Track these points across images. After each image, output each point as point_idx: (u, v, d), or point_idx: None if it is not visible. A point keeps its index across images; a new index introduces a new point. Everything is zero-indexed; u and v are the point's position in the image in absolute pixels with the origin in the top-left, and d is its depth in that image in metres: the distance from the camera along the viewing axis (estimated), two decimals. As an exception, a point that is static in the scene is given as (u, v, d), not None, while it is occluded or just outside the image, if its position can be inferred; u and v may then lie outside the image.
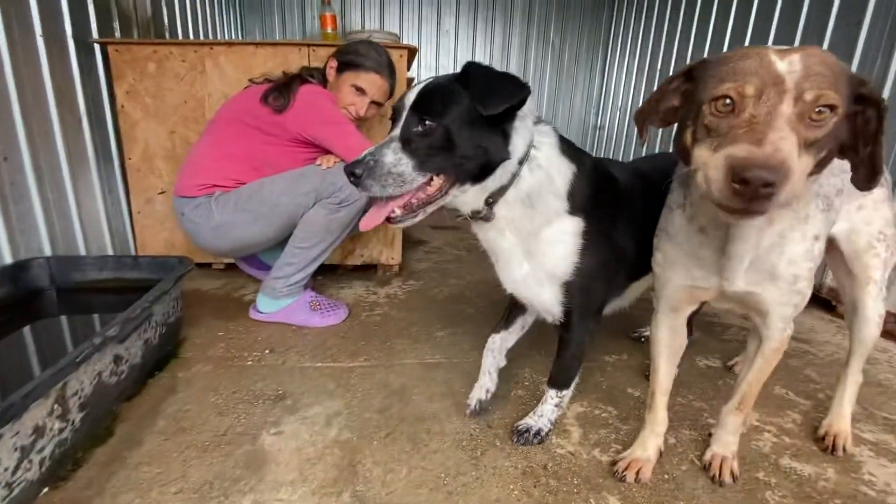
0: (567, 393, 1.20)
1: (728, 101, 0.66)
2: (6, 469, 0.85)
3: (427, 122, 0.89)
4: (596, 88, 4.56)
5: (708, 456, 1.10)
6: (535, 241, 1.02)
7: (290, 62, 2.00)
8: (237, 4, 3.70)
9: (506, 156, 0.92)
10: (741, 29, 2.77)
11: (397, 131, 0.92)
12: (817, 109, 0.63)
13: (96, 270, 1.64)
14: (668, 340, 1.05)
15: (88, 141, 1.99)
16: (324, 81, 1.77)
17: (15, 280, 1.53)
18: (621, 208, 1.10)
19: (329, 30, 2.58)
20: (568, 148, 1.04)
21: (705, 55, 3.02)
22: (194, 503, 0.95)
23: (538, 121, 1.01)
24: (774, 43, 2.54)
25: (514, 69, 4.34)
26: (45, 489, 0.96)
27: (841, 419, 1.22)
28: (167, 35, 2.61)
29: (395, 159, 0.88)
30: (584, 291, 1.05)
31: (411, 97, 0.92)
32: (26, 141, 1.66)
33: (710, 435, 1.16)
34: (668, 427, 1.24)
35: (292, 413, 1.24)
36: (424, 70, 4.19)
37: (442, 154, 0.89)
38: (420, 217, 0.96)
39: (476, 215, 1.01)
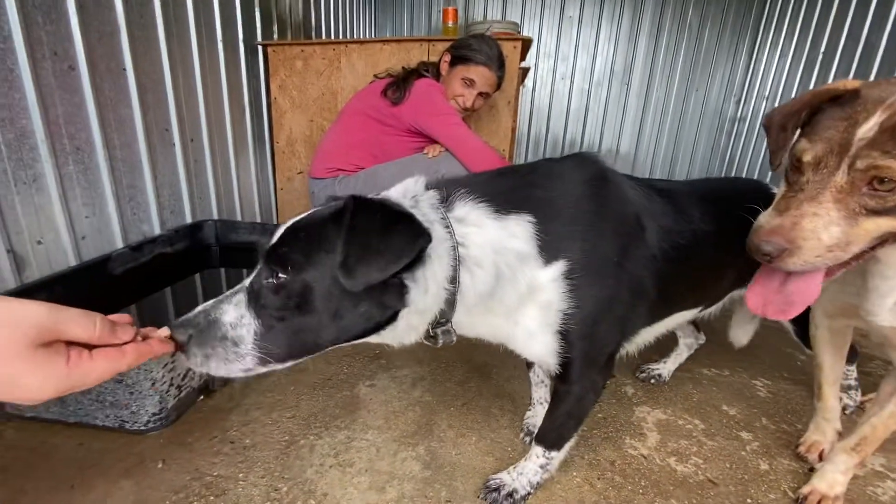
0: (557, 456, 0.97)
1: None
2: (179, 374, 1.14)
3: (280, 275, 0.65)
4: (739, 74, 4.03)
5: (806, 490, 1.00)
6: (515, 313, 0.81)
7: (412, 57, 2.17)
8: (372, 4, 4.05)
9: (399, 306, 0.68)
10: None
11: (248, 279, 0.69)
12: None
13: (247, 234, 2.01)
14: (828, 338, 1.08)
15: (249, 128, 2.40)
16: (437, 75, 1.89)
17: (192, 236, 1.96)
18: (634, 231, 0.85)
19: (450, 24, 2.70)
20: (508, 196, 0.77)
21: (884, 39, 2.51)
22: (301, 428, 1.16)
23: (446, 197, 0.75)
24: None
25: (641, 55, 4.06)
26: (201, 397, 1.26)
27: None
28: (313, 34, 2.99)
29: (236, 317, 0.65)
30: (585, 338, 0.82)
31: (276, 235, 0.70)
32: (206, 127, 2.09)
33: (811, 469, 1.05)
34: (764, 452, 1.15)
35: (385, 371, 1.42)
36: (543, 58, 4.13)
37: (296, 319, 0.65)
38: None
39: (430, 340, 0.77)
